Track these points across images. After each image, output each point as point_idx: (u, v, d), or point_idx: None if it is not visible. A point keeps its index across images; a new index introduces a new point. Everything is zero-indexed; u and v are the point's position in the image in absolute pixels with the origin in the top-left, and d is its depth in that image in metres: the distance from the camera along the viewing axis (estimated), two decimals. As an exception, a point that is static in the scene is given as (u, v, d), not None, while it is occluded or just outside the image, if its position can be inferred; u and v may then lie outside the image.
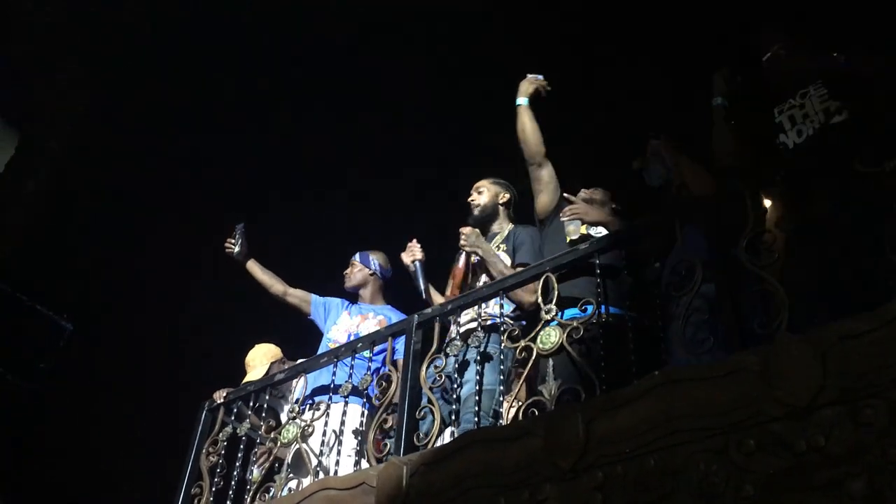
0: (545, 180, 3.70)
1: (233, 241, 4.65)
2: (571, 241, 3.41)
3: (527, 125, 3.73)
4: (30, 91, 5.97)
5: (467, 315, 3.58)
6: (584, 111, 5.56)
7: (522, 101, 3.80)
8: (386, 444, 3.17)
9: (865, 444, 1.77)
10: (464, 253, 3.93)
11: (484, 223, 4.07)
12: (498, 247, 3.94)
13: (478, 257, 3.84)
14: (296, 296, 4.72)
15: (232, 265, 4.72)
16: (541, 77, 3.87)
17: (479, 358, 3.17)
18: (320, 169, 6.54)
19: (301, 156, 6.51)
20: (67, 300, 5.71)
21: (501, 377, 3.15)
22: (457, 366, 3.33)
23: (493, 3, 5.61)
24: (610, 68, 5.59)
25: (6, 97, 5.82)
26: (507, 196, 4.18)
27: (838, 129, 2.83)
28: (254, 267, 4.73)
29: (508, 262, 3.77)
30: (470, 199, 4.17)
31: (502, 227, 4.09)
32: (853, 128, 2.77)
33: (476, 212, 4.08)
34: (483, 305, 3.39)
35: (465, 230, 3.82)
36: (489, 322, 3.39)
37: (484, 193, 4.16)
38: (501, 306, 3.25)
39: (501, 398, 3.09)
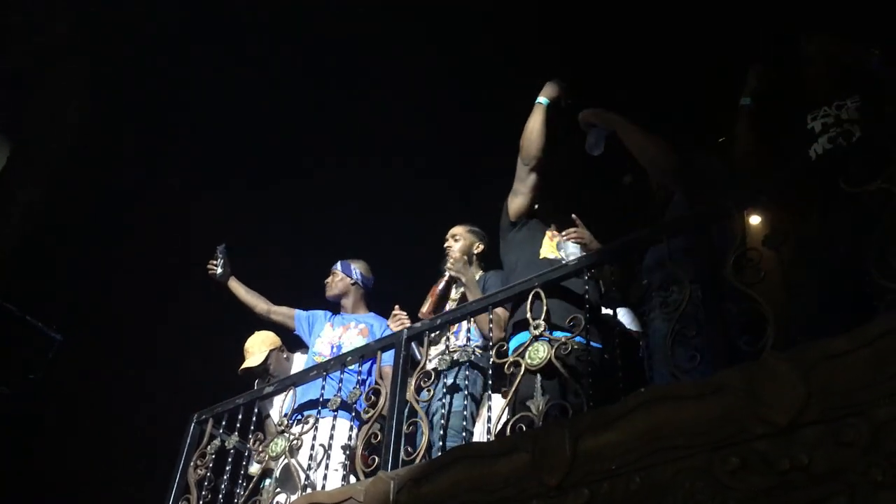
0: (529, 185, 3.65)
1: (215, 262, 4.68)
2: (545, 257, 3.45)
3: (536, 125, 3.64)
4: (22, 101, 5.97)
5: (435, 349, 3.58)
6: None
7: (542, 100, 3.70)
8: (374, 459, 3.16)
9: (847, 462, 1.78)
10: (447, 275, 3.98)
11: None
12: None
13: (461, 283, 3.91)
14: (279, 313, 4.76)
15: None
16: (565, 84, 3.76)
17: (445, 391, 3.30)
18: (319, 176, 6.55)
19: (300, 163, 6.53)
20: (57, 311, 5.70)
21: (466, 402, 3.20)
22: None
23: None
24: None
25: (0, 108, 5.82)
26: (482, 247, 4.31)
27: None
28: (237, 287, 4.77)
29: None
30: (446, 244, 4.27)
31: (474, 273, 4.16)
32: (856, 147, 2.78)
33: (452, 261, 4.11)
34: (453, 338, 3.41)
35: (455, 254, 3.87)
36: (456, 356, 3.49)
37: (460, 241, 4.27)
38: (468, 339, 3.37)
39: (472, 417, 3.17)
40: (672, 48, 5.33)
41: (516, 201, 3.68)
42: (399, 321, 4.11)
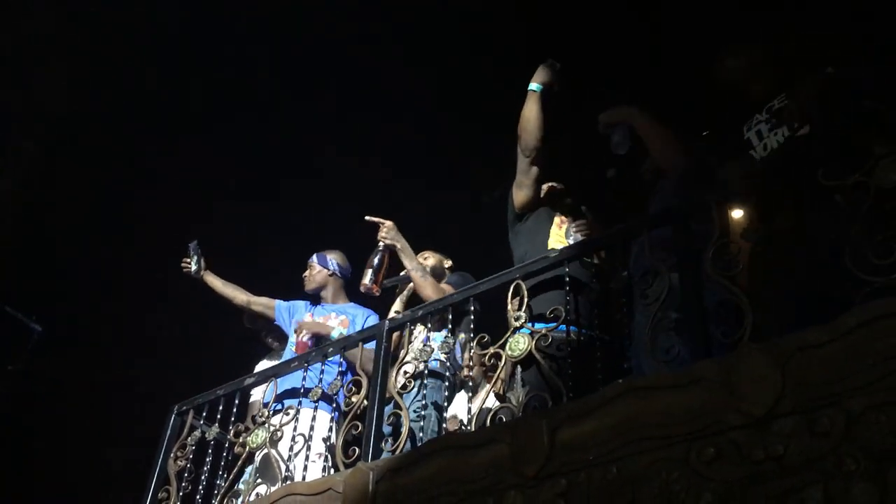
0: (532, 177, 3.56)
1: (188, 259, 4.68)
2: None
3: (532, 113, 3.51)
4: (6, 95, 5.92)
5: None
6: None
7: (535, 86, 3.55)
8: (354, 451, 3.16)
9: (822, 453, 1.79)
10: (380, 245, 4.05)
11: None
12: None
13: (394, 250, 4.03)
14: (259, 303, 4.77)
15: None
16: (558, 65, 3.59)
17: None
18: (303, 172, 6.53)
19: (287, 157, 6.50)
20: (37, 302, 5.66)
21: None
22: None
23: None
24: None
25: (-22, 98, 5.77)
26: (450, 263, 4.55)
27: (802, 141, 2.86)
28: (213, 280, 4.78)
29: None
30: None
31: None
32: (816, 140, 2.80)
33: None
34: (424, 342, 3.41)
35: (386, 223, 3.94)
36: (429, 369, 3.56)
37: (429, 259, 4.45)
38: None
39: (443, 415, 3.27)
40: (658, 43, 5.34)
41: (520, 193, 3.60)
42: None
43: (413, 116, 6.04)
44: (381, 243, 4.03)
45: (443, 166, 6.12)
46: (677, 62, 5.12)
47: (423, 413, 3.39)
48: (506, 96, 3.78)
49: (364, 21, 5.70)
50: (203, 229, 4.87)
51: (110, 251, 6.27)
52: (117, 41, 5.88)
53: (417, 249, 4.27)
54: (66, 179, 6.03)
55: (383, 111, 6.09)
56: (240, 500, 3.46)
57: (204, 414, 3.99)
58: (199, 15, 5.64)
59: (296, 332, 4.28)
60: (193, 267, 4.69)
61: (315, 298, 4.67)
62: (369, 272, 4.02)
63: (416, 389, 3.34)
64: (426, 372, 3.51)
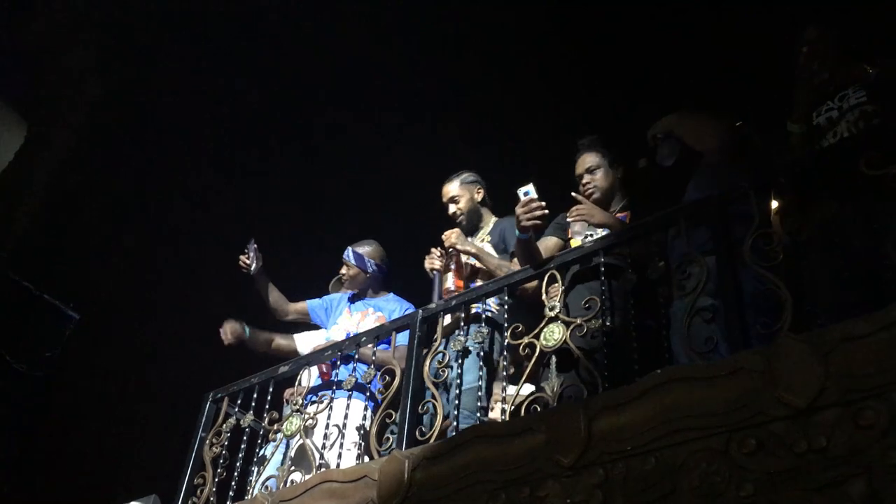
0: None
1: (247, 257, 4.62)
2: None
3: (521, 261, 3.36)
4: (41, 81, 5.98)
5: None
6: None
7: (522, 235, 3.27)
8: (388, 439, 3.18)
9: (865, 445, 1.78)
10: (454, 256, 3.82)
11: (473, 228, 4.12)
12: (482, 239, 4.00)
13: (471, 257, 3.80)
14: (296, 311, 4.74)
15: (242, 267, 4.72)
16: (529, 193, 3.21)
17: (461, 351, 3.18)
18: (330, 170, 6.55)
19: (314, 154, 6.53)
20: (73, 289, 5.73)
21: (482, 374, 3.23)
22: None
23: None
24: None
25: (17, 87, 5.84)
26: (482, 191, 4.21)
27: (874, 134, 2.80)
28: (267, 285, 4.70)
29: (451, 278, 3.77)
30: (451, 212, 4.16)
31: (487, 221, 4.15)
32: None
33: (464, 222, 4.10)
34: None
35: (449, 235, 3.78)
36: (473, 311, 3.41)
37: (461, 200, 4.16)
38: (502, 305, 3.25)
39: (484, 395, 3.19)
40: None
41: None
42: (430, 261, 3.89)
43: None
44: (450, 249, 3.80)
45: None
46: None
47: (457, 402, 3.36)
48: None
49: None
50: (244, 217, 4.86)
51: (146, 238, 6.33)
52: (151, 24, 5.92)
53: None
54: (102, 167, 6.08)
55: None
56: (274, 485, 3.49)
57: (238, 401, 4.03)
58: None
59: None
60: (253, 265, 4.62)
61: (354, 294, 4.66)
62: (449, 276, 3.77)
63: (454, 371, 3.31)
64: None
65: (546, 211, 3.20)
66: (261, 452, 3.89)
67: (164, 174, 6.34)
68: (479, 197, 4.18)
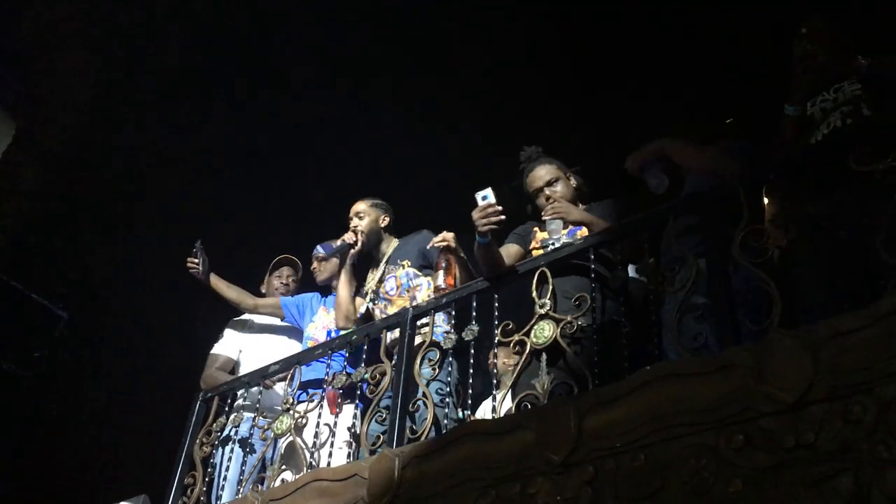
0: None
1: (196, 260, 4.56)
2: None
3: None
4: (30, 81, 5.95)
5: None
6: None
7: (481, 239, 3.23)
8: (379, 437, 3.17)
9: (854, 440, 1.78)
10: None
11: (370, 248, 4.20)
12: (397, 263, 4.06)
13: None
14: (266, 305, 4.73)
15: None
16: (487, 198, 3.17)
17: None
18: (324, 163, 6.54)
19: (301, 144, 6.51)
20: (62, 289, 5.70)
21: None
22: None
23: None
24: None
25: (5, 87, 5.80)
26: (388, 219, 4.32)
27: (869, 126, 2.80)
28: (219, 283, 4.68)
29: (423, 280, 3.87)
30: (352, 224, 4.22)
31: (389, 245, 4.24)
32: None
33: (360, 237, 4.12)
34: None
35: (447, 237, 3.74)
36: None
37: (365, 217, 4.24)
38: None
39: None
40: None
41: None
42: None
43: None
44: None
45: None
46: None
47: (447, 399, 3.37)
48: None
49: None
50: (227, 216, 4.84)
51: (135, 238, 6.31)
52: (139, 26, 5.90)
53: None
54: (91, 168, 6.05)
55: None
56: (265, 485, 3.48)
57: (228, 401, 4.02)
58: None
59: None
60: (200, 268, 4.57)
61: (325, 289, 4.64)
62: (440, 274, 3.80)
63: (441, 373, 3.32)
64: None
65: (503, 217, 3.18)
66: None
67: (153, 174, 6.32)
68: (382, 224, 4.28)
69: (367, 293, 4.16)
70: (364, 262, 4.27)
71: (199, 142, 6.39)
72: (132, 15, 5.88)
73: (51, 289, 5.59)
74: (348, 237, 4.12)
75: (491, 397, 3.47)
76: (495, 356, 4.16)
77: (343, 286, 4.08)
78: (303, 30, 5.98)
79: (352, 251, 4.10)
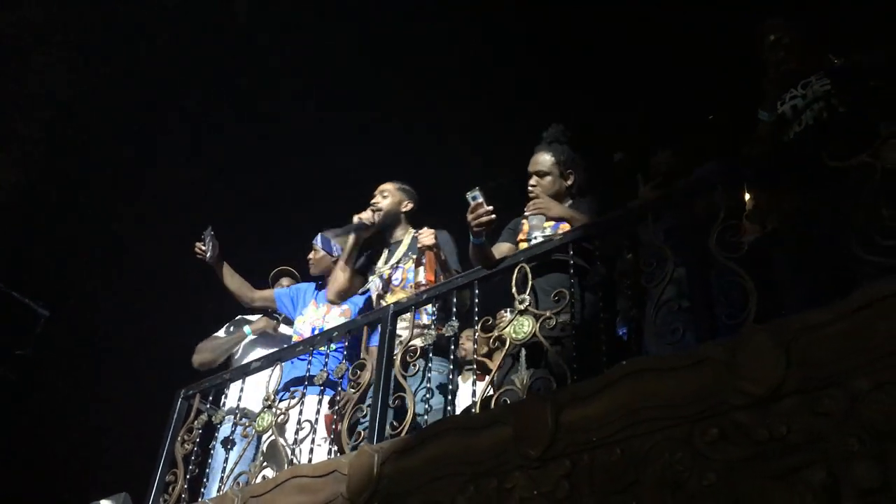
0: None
1: (203, 246, 4.60)
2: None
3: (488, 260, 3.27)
4: (8, 78, 5.92)
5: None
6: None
7: (476, 240, 3.20)
8: (359, 433, 3.17)
9: (824, 432, 1.80)
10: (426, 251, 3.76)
11: (385, 228, 4.10)
12: (405, 254, 3.98)
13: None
14: (262, 298, 4.75)
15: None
16: (477, 198, 3.14)
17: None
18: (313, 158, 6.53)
19: (290, 139, 6.50)
20: (43, 287, 5.68)
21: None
22: None
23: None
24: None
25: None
26: (411, 205, 4.18)
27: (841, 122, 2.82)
28: (226, 271, 4.70)
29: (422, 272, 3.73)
30: (373, 200, 4.14)
31: (405, 234, 4.10)
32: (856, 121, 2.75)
33: (376, 217, 4.05)
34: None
35: (428, 234, 3.74)
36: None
37: (388, 197, 4.14)
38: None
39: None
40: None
41: None
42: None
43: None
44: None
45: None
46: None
47: (428, 397, 3.37)
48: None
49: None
50: (211, 211, 4.83)
51: (116, 236, 6.28)
52: (114, 22, 5.87)
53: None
54: (70, 165, 6.03)
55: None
56: (245, 482, 3.47)
57: (210, 398, 4.00)
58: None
59: None
60: (209, 253, 4.60)
61: (321, 283, 4.64)
62: (420, 270, 3.65)
63: (420, 371, 3.32)
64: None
65: (494, 216, 3.17)
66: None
67: (132, 172, 6.29)
68: (405, 208, 4.16)
69: (375, 273, 4.08)
70: (376, 241, 4.17)
71: (182, 133, 6.36)
72: (104, 7, 5.84)
73: (31, 287, 5.57)
74: (365, 216, 4.02)
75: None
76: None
77: (342, 262, 4.02)
78: (287, 41, 5.96)
79: (362, 232, 4.01)
